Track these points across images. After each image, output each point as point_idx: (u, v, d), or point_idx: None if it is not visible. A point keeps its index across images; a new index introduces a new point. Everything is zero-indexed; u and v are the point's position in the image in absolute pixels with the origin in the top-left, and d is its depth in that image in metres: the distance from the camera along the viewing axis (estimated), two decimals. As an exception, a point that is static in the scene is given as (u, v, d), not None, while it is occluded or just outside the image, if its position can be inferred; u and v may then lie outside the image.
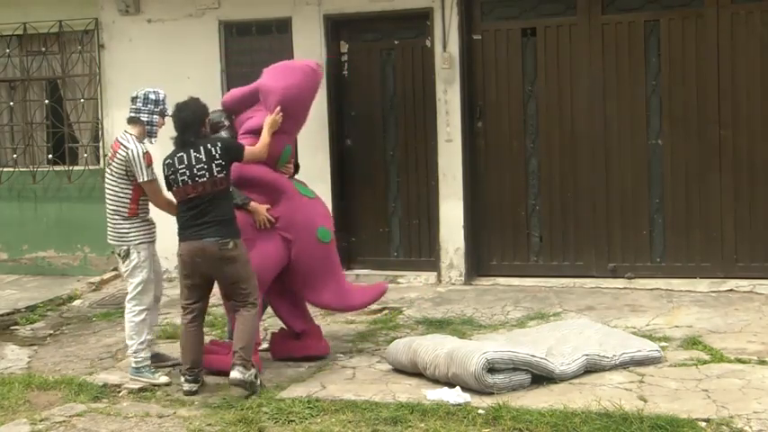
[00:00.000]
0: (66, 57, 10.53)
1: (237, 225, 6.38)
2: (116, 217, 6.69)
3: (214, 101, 8.50)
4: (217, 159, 6.25)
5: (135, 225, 6.68)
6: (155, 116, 6.74)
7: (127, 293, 6.80)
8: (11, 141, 10.96)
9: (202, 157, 6.25)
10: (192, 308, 6.37)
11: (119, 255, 6.78)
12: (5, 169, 10.77)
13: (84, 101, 10.44)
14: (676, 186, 8.82)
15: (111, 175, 6.70)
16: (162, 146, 6.72)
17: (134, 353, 6.68)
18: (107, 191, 6.74)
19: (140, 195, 6.67)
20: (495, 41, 9.23)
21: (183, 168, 6.26)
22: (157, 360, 6.91)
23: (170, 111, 6.75)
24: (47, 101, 10.72)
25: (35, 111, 10.79)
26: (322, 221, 6.94)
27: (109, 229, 6.76)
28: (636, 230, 8.93)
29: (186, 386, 6.32)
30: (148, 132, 6.75)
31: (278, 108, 6.73)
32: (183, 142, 6.35)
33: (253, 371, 6.20)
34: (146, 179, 6.59)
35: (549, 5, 9.07)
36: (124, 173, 6.61)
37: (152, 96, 6.76)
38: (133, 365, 6.70)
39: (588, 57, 8.95)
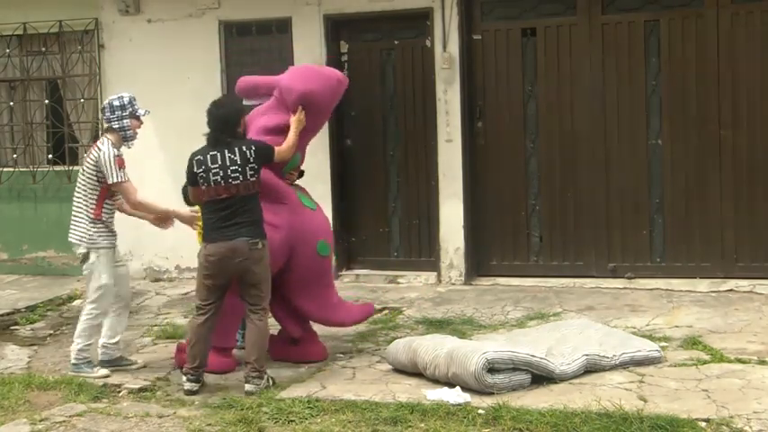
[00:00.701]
0: (66, 57, 10.53)
1: (264, 227, 6.34)
2: (81, 217, 6.73)
3: (214, 101, 8.55)
4: (251, 163, 6.22)
5: (99, 229, 6.71)
6: (125, 121, 6.75)
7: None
8: (11, 141, 10.96)
9: (237, 159, 6.20)
10: (208, 308, 6.32)
11: (79, 257, 6.83)
12: (5, 169, 10.77)
13: (84, 101, 10.44)
14: (676, 186, 8.82)
15: (83, 175, 6.76)
16: (190, 142, 6.68)
17: (78, 350, 6.77)
18: (76, 190, 6.80)
19: (106, 198, 6.71)
20: (495, 41, 9.23)
21: (216, 168, 6.19)
22: (119, 363, 6.92)
23: (141, 111, 6.82)
24: (47, 101, 10.71)
25: (35, 111, 10.78)
26: (323, 235, 6.95)
27: (71, 227, 6.79)
28: (636, 230, 8.93)
29: (188, 385, 6.30)
30: (124, 138, 6.76)
31: (300, 107, 6.74)
32: (216, 140, 6.28)
33: (265, 377, 6.26)
34: (116, 180, 6.60)
35: (549, 5, 9.07)
36: (94, 173, 6.67)
37: (116, 103, 6.78)
38: (72, 361, 6.79)
39: (588, 57, 8.95)
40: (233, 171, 6.19)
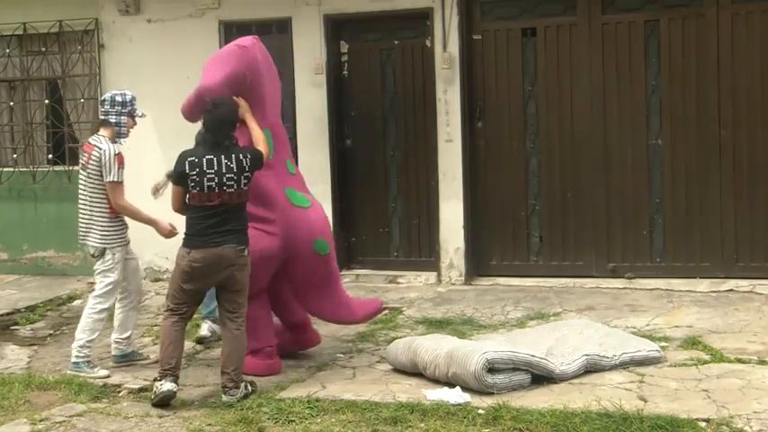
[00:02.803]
0: (66, 57, 10.53)
1: (248, 233, 6.21)
2: (95, 218, 6.76)
3: (214, 101, 8.54)
4: (246, 171, 6.04)
5: (115, 226, 6.77)
6: (123, 117, 6.80)
7: (94, 291, 6.90)
8: (11, 141, 10.96)
9: (234, 166, 6.00)
10: (184, 311, 6.16)
11: (92, 255, 6.85)
12: (5, 169, 10.77)
13: (84, 101, 10.44)
14: (676, 186, 8.82)
15: (89, 177, 6.77)
16: (189, 142, 6.66)
17: (79, 347, 6.77)
18: (83, 193, 6.82)
19: None
20: (495, 41, 9.23)
21: (211, 174, 5.97)
22: (131, 357, 6.99)
23: (140, 112, 6.88)
24: (47, 101, 10.71)
25: (35, 111, 10.78)
26: (319, 233, 6.66)
27: (83, 229, 6.82)
28: (636, 230, 8.93)
29: (167, 386, 6.01)
30: (118, 133, 6.82)
31: (235, 98, 6.36)
32: (215, 144, 6.04)
33: (242, 386, 6.11)
34: (112, 179, 6.65)
35: (549, 5, 9.07)
36: (99, 173, 6.71)
37: (118, 98, 6.83)
38: (73, 360, 6.79)
39: (588, 57, 8.95)
40: (229, 178, 5.99)
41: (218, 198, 6.00)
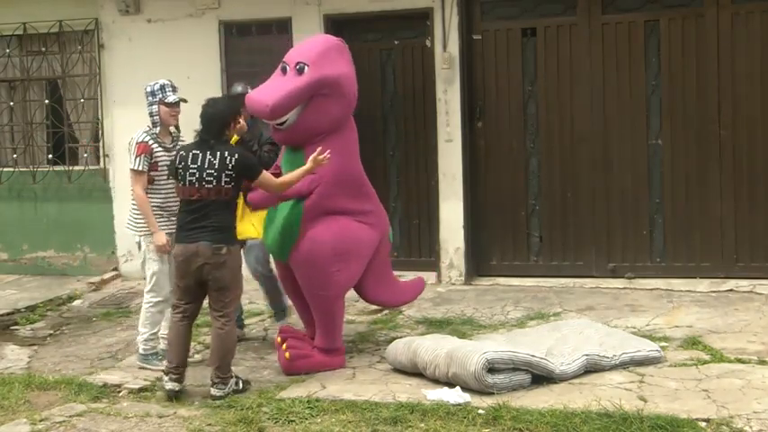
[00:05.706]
0: (66, 57, 10.53)
1: (235, 234, 6.29)
2: (133, 206, 6.87)
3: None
4: (228, 170, 6.08)
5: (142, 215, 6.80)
6: (153, 106, 6.83)
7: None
8: (11, 141, 10.96)
9: (216, 162, 6.08)
10: (184, 308, 6.30)
11: (138, 245, 6.92)
12: (5, 169, 10.77)
13: (84, 101, 10.44)
14: (676, 186, 8.82)
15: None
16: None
17: (144, 341, 6.87)
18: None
19: (148, 185, 6.77)
20: (495, 41, 9.23)
21: (193, 168, 6.10)
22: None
23: (172, 98, 6.82)
24: (47, 101, 10.71)
25: (35, 111, 10.78)
26: (389, 223, 7.17)
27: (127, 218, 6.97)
28: (636, 230, 8.93)
29: (169, 385, 6.24)
30: (153, 123, 6.84)
31: (323, 151, 6.45)
32: (201, 140, 6.20)
33: (231, 383, 6.21)
34: (131, 166, 6.75)
35: (549, 5, 9.07)
36: None
37: (147, 89, 6.89)
38: (141, 352, 6.89)
39: (588, 57, 8.95)
40: (209, 174, 6.08)
41: (197, 193, 6.12)
